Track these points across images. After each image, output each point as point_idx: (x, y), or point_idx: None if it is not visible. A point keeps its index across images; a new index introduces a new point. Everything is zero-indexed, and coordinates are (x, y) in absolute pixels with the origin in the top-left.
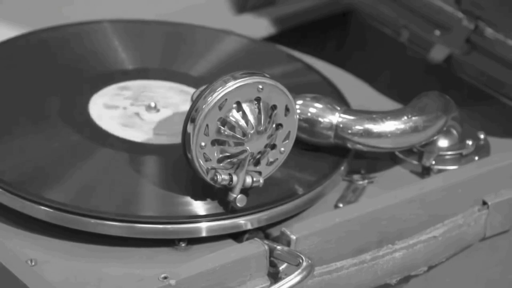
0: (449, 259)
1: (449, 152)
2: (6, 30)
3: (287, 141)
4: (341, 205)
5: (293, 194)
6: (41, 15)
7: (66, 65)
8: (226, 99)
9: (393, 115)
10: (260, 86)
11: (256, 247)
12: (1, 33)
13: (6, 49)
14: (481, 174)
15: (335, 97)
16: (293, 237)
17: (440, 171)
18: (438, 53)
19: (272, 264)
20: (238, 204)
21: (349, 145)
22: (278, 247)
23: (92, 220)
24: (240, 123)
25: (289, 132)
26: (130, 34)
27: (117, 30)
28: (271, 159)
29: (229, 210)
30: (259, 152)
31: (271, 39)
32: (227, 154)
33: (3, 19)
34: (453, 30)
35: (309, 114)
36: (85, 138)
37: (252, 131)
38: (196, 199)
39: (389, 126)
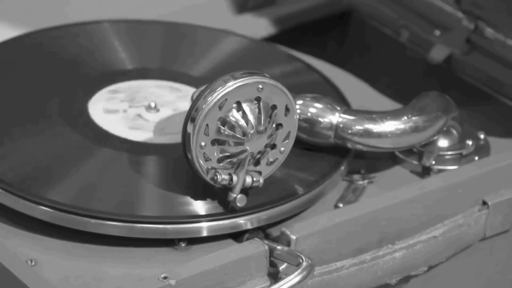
0: (449, 259)
1: (449, 152)
2: (6, 30)
3: (287, 141)
4: (341, 205)
5: (293, 194)
6: (41, 15)
7: (66, 65)
8: (226, 99)
9: (393, 115)
10: (260, 86)
11: (256, 247)
12: (1, 33)
13: (6, 49)
14: (481, 174)
15: (335, 97)
16: (293, 237)
17: (440, 171)
18: (438, 53)
19: (272, 264)
20: (238, 204)
21: (349, 145)
22: (278, 247)
23: (92, 220)
24: (240, 123)
25: (289, 132)
26: (130, 34)
27: (117, 30)
28: (271, 159)
29: (229, 210)
30: (259, 152)
31: (271, 39)
32: (227, 154)
33: (3, 19)
34: (453, 30)
35: (309, 114)
36: (85, 138)
37: (252, 131)
38: (196, 199)
39: (389, 126)
